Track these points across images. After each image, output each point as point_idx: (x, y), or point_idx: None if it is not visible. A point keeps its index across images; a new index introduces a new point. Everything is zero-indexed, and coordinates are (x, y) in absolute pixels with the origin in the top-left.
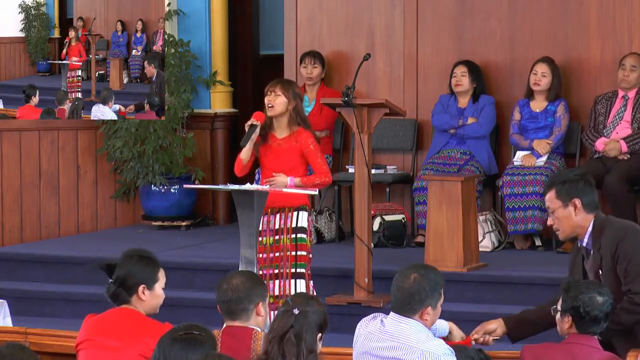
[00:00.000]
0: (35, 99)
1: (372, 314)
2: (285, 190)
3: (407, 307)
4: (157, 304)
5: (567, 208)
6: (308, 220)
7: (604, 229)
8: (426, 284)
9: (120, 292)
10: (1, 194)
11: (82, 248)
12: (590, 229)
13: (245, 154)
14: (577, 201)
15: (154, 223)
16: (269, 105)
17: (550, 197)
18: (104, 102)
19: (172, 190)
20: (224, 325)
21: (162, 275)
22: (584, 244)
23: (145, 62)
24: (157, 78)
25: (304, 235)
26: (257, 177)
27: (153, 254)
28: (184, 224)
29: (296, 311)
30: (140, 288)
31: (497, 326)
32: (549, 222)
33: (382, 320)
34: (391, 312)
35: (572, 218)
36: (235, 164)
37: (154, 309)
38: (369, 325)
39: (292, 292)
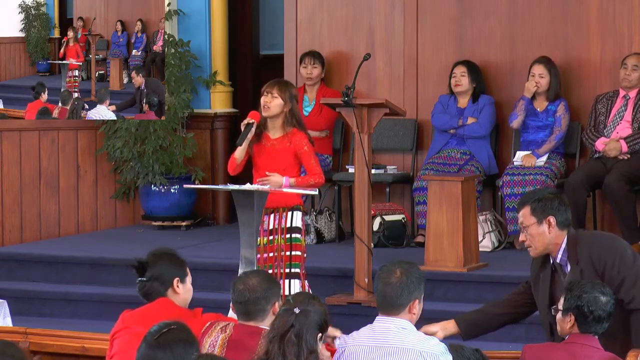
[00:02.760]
0: (44, 96)
1: (341, 340)
2: (284, 190)
3: (397, 302)
4: (188, 297)
5: (541, 226)
6: (302, 220)
7: (577, 243)
8: (412, 277)
9: (155, 288)
10: (1, 194)
11: (82, 248)
12: (564, 245)
13: (239, 153)
14: (552, 219)
15: (154, 223)
16: (265, 106)
17: (525, 214)
18: (101, 102)
19: (172, 190)
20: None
21: (189, 271)
22: (558, 261)
23: (133, 73)
24: (147, 85)
25: (298, 235)
26: None
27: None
28: (184, 224)
29: (297, 310)
30: (175, 281)
31: (437, 329)
32: (521, 238)
33: (371, 330)
34: (378, 315)
35: (546, 235)
36: (229, 162)
37: (186, 302)
38: (355, 338)
39: (287, 292)
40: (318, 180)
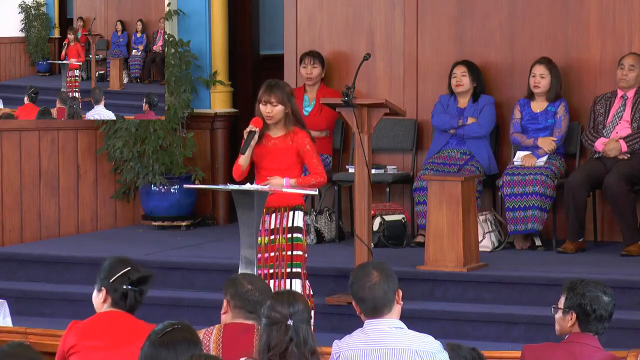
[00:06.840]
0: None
1: (335, 346)
2: (284, 190)
3: (387, 299)
4: None
5: None
6: (303, 220)
7: None
8: (387, 271)
9: (142, 300)
10: (1, 194)
11: (82, 248)
12: None
13: (244, 160)
14: None
15: (154, 223)
16: (267, 116)
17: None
18: (96, 102)
19: (172, 190)
20: (227, 321)
21: None
22: None
23: None
24: None
25: (299, 235)
26: None
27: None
28: (184, 224)
29: (290, 322)
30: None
31: None
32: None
33: (364, 333)
34: (365, 321)
35: None
36: (234, 169)
37: None
38: (349, 343)
39: None
40: (320, 179)
